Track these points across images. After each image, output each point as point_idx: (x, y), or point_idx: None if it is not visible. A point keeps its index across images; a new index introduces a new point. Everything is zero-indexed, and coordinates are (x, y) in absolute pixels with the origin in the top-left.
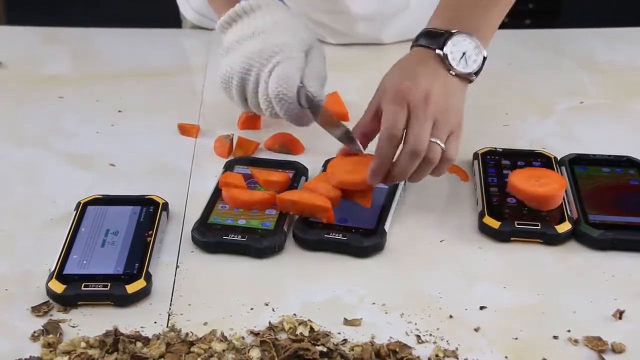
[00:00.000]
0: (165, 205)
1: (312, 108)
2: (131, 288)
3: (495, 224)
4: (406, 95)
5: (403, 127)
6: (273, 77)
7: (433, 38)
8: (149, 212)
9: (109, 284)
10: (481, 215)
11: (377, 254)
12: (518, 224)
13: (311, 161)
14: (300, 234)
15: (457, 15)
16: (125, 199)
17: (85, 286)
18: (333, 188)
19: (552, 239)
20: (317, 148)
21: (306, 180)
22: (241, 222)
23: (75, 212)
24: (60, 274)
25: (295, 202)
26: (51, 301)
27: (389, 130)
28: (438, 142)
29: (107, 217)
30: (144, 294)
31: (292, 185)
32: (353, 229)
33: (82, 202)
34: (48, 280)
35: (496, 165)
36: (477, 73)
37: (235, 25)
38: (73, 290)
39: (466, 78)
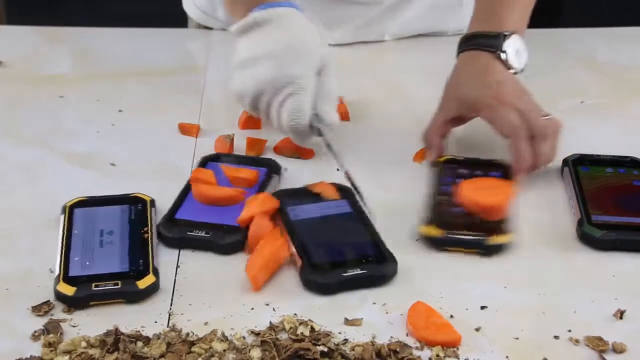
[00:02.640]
0: (153, 202)
1: (322, 136)
2: (142, 284)
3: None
4: (504, 99)
5: (522, 124)
6: (285, 108)
7: (490, 40)
8: (138, 209)
9: (119, 282)
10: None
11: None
12: (457, 233)
13: (320, 166)
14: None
15: (500, 17)
16: (111, 199)
17: (96, 286)
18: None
19: (487, 250)
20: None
21: (279, 178)
22: (207, 218)
23: (62, 215)
24: (66, 277)
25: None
26: (51, 301)
27: (514, 132)
28: (549, 117)
29: (98, 218)
30: (154, 288)
31: (263, 182)
32: (363, 259)
33: (67, 205)
34: (56, 284)
35: (452, 174)
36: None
37: (250, 34)
38: (84, 291)
39: (516, 73)
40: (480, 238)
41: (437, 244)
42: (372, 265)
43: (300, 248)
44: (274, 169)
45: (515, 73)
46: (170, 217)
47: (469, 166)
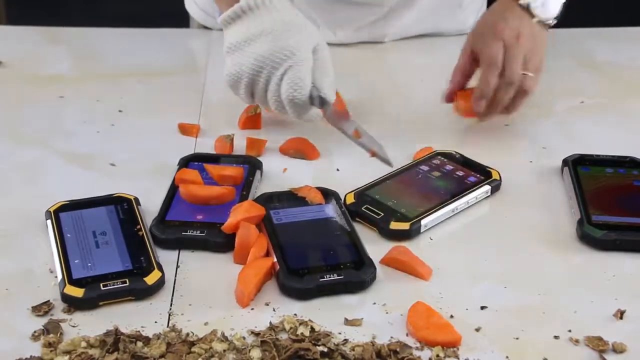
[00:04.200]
0: (137, 201)
1: (323, 107)
2: (149, 279)
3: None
4: (501, 33)
5: (502, 58)
6: (285, 80)
7: None
8: (124, 208)
9: (127, 280)
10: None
11: (366, 288)
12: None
13: (326, 166)
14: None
15: None
16: (94, 201)
17: (104, 286)
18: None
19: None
20: (333, 152)
21: (261, 174)
22: (199, 217)
23: (49, 221)
24: (71, 279)
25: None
26: (51, 301)
27: (490, 60)
28: (529, 74)
29: (86, 220)
30: (161, 283)
31: (248, 178)
32: (342, 265)
33: (52, 210)
34: (62, 288)
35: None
36: (556, 18)
37: (240, 21)
38: (93, 292)
39: (547, 23)
40: (386, 220)
41: (352, 215)
42: (350, 270)
43: (279, 252)
44: (255, 165)
45: (542, 23)
46: (162, 218)
47: (457, 164)
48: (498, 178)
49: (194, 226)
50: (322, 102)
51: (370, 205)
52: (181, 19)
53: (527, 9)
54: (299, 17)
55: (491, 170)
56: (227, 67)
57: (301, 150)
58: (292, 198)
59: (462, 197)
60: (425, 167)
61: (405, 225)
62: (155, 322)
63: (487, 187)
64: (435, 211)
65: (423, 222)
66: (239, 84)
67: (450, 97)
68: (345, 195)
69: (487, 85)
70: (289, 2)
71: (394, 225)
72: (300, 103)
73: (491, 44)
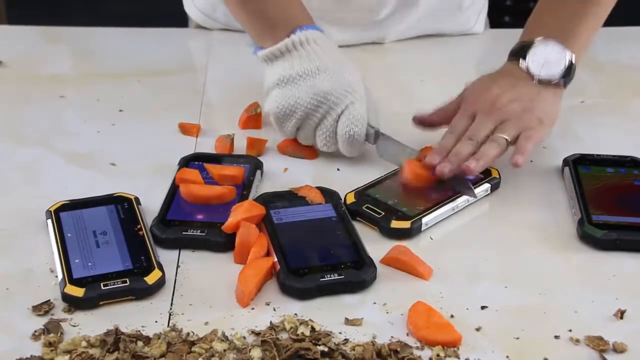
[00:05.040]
0: (138, 200)
1: (375, 142)
2: (150, 279)
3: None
4: (474, 104)
5: (464, 127)
6: (346, 116)
7: (519, 50)
8: (125, 208)
9: (127, 279)
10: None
11: (367, 287)
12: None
13: (326, 166)
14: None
15: (542, 24)
16: (94, 200)
17: (104, 285)
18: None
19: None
20: (333, 152)
21: (261, 174)
22: (200, 217)
23: (50, 220)
24: (72, 279)
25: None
26: (51, 300)
27: (452, 126)
28: (502, 136)
29: (87, 220)
30: (162, 283)
31: (249, 178)
32: (342, 264)
33: (52, 210)
34: (62, 287)
35: None
36: (565, 77)
37: (290, 56)
38: (94, 291)
39: (553, 83)
40: (387, 219)
41: (353, 214)
42: (351, 270)
43: (279, 252)
44: (255, 165)
45: (547, 82)
46: (162, 218)
47: None
48: (497, 176)
49: (194, 226)
50: (377, 137)
51: (370, 205)
52: (181, 19)
53: (526, 70)
54: (344, 54)
55: (491, 168)
56: (276, 99)
57: (299, 149)
58: (292, 198)
59: (462, 195)
60: None
61: (406, 224)
62: (156, 321)
63: (486, 186)
64: (435, 209)
65: (424, 220)
66: (290, 117)
67: (420, 121)
68: (346, 195)
69: (443, 144)
70: (331, 40)
71: (395, 224)
72: (359, 139)
73: (461, 113)
